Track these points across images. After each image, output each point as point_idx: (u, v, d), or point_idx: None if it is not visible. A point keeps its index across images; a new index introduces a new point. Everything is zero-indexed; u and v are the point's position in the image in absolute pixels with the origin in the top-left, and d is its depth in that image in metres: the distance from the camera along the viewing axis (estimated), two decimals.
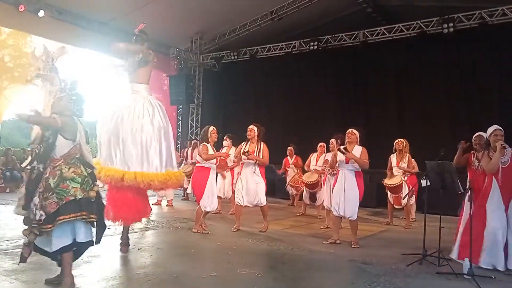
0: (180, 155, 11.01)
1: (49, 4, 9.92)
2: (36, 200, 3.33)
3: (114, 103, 4.89)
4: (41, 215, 3.29)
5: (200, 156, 6.49)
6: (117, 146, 4.62)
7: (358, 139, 5.91)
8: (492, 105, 10.44)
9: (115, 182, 4.49)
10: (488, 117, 10.25)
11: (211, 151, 6.46)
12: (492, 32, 9.76)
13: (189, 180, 10.48)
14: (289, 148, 9.77)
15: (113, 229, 5.89)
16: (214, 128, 6.76)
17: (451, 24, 9.78)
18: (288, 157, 9.77)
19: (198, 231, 6.29)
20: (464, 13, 9.79)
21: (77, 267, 4.11)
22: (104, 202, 3.78)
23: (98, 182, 3.72)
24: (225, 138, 8.78)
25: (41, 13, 9.64)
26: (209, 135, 6.60)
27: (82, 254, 3.73)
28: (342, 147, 5.77)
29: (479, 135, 5.33)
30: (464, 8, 9.88)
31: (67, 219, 3.32)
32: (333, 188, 6.16)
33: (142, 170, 4.60)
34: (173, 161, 4.94)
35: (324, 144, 8.47)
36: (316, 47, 11.74)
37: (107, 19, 11.14)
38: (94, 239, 3.61)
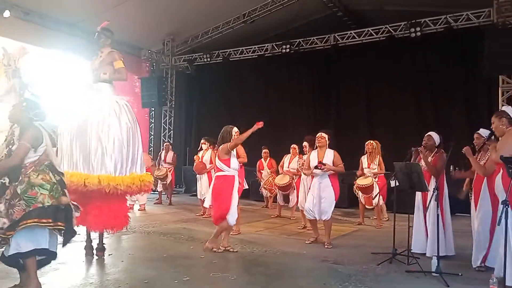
0: (152, 158, 10.88)
1: (15, 4, 9.62)
2: (1, 207, 3.22)
3: (77, 105, 4.76)
4: (4, 223, 3.18)
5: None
6: (80, 149, 4.51)
7: (328, 142, 5.98)
8: (458, 107, 10.81)
9: (80, 187, 4.37)
10: (454, 118, 10.63)
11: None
12: (457, 36, 10.08)
13: (164, 184, 10.42)
14: (264, 150, 9.78)
15: (83, 236, 5.78)
16: (237, 130, 5.96)
17: (418, 29, 10.03)
18: (263, 159, 9.79)
19: (214, 249, 5.30)
20: (431, 18, 10.07)
21: (44, 275, 4.00)
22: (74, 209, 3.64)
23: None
24: (202, 141, 8.72)
25: (7, 14, 9.35)
26: (232, 137, 5.76)
27: (45, 265, 3.61)
28: (317, 164, 5.80)
29: (429, 135, 5.51)
30: (430, 13, 10.17)
31: (28, 224, 3.22)
32: (308, 190, 6.22)
33: (107, 174, 4.49)
34: (138, 164, 4.78)
35: (296, 146, 8.50)
36: (288, 50, 11.81)
37: (75, 20, 10.91)
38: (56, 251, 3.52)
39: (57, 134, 3.77)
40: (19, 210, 3.21)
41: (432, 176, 5.31)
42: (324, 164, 5.75)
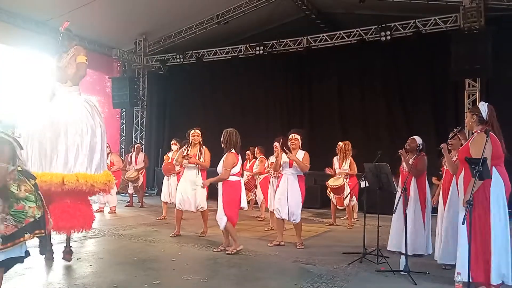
0: (123, 160, 10.69)
1: None
2: None
3: (44, 105, 4.66)
4: None
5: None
6: (55, 149, 4.42)
7: (301, 143, 6.02)
8: (426, 108, 11.11)
9: (54, 187, 4.28)
10: (422, 120, 10.92)
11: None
12: (425, 40, 10.36)
13: (135, 186, 10.24)
14: (247, 152, 9.64)
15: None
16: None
17: (388, 32, 10.28)
18: (248, 161, 9.62)
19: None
20: (400, 22, 10.33)
21: (8, 280, 3.88)
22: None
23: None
24: (173, 142, 8.65)
25: None
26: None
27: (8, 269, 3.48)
28: (285, 151, 5.85)
29: (412, 138, 5.68)
30: (400, 18, 10.43)
31: (26, 240, 3.10)
32: (275, 191, 6.25)
33: (84, 172, 4.46)
34: (105, 162, 4.86)
35: (249, 152, 9.26)
36: (261, 51, 11.86)
37: (45, 18, 10.62)
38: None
39: (19, 134, 3.61)
40: (8, 226, 3.01)
41: (413, 177, 5.47)
42: (291, 153, 5.79)
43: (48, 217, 3.44)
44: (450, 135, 4.98)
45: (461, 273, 3.78)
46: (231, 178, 5.45)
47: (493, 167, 3.80)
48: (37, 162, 4.41)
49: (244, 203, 5.54)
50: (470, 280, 3.57)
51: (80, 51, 4.84)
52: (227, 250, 5.44)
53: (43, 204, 3.33)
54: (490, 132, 3.80)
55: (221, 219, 5.42)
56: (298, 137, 6.01)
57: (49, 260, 4.74)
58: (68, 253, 4.81)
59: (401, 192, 4.75)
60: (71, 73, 4.76)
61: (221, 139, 5.60)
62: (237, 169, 5.48)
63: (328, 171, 7.94)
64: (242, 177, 9.47)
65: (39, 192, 3.37)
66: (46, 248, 3.44)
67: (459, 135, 4.90)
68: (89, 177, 4.45)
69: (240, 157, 5.65)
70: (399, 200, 4.78)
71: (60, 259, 4.80)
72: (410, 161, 5.52)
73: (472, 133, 4.23)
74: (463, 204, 3.71)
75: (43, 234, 3.26)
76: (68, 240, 4.87)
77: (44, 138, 4.43)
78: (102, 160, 4.71)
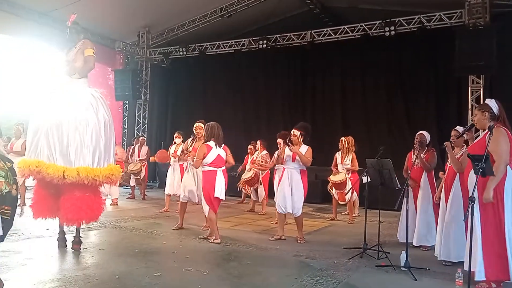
0: (126, 152, 10.70)
1: None
2: None
3: (53, 97, 4.68)
4: None
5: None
6: (58, 141, 4.45)
7: (302, 138, 5.98)
8: (429, 105, 11.06)
9: (56, 180, 4.31)
10: (425, 116, 10.88)
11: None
12: (430, 36, 10.29)
13: (137, 178, 10.25)
14: (249, 146, 9.63)
15: (52, 230, 5.66)
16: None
17: (392, 28, 10.20)
18: (249, 155, 9.60)
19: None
20: (405, 17, 10.26)
21: (10, 270, 3.91)
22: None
23: (18, 177, 3.52)
24: (176, 135, 8.62)
25: None
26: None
27: None
28: (288, 142, 5.89)
29: (421, 133, 5.68)
30: (404, 13, 10.35)
31: None
32: (278, 185, 6.25)
33: (86, 166, 4.47)
34: (112, 155, 4.84)
35: (252, 147, 9.24)
36: (265, 45, 11.80)
37: (47, 9, 10.60)
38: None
39: (24, 126, 3.65)
40: None
41: (424, 172, 5.57)
42: (294, 145, 5.83)
43: (22, 205, 3.47)
44: (462, 132, 4.84)
45: (477, 272, 3.72)
46: (205, 168, 5.58)
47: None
48: (45, 155, 4.44)
49: (218, 193, 5.52)
50: (484, 278, 3.67)
51: (87, 45, 4.87)
52: (209, 239, 5.70)
53: (17, 188, 3.36)
54: (505, 128, 3.79)
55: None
56: (298, 133, 5.97)
57: (62, 248, 4.87)
58: (77, 243, 4.91)
59: (404, 187, 4.73)
60: (78, 66, 4.78)
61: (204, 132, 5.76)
62: (209, 159, 5.55)
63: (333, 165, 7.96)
64: (242, 172, 9.63)
65: (16, 178, 3.41)
66: (6, 234, 3.39)
67: (468, 133, 4.77)
68: (90, 171, 4.46)
69: (227, 150, 5.81)
70: (403, 195, 4.70)
71: (63, 250, 4.85)
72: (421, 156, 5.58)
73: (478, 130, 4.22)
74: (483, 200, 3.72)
75: (8, 213, 3.26)
76: (78, 230, 4.96)
77: (49, 132, 4.45)
78: (106, 153, 4.69)
